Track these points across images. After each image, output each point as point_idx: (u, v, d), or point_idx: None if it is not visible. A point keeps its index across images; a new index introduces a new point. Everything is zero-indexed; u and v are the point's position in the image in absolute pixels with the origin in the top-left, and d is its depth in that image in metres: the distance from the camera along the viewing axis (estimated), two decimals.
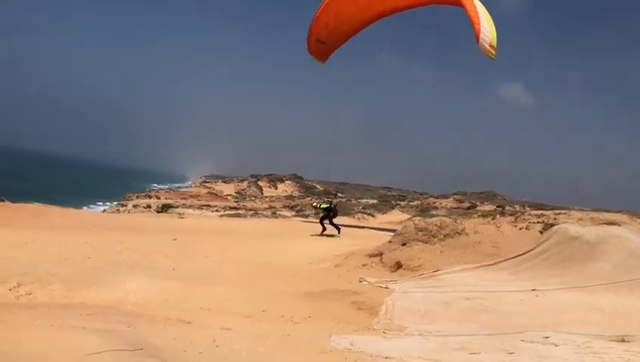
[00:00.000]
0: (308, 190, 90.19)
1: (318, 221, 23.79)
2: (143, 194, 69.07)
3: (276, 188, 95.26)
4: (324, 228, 22.99)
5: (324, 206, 23.40)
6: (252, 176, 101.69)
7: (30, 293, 9.99)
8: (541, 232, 14.13)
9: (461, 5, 17.63)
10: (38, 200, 30.19)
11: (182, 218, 35.37)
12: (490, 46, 15.23)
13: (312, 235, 22.82)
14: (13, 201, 24.68)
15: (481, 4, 18.07)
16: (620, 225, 15.90)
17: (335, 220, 23.42)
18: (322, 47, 22.37)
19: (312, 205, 29.58)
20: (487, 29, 15.79)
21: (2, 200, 23.61)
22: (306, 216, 43.99)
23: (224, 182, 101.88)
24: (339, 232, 23.03)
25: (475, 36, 15.26)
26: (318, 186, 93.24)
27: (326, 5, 21.43)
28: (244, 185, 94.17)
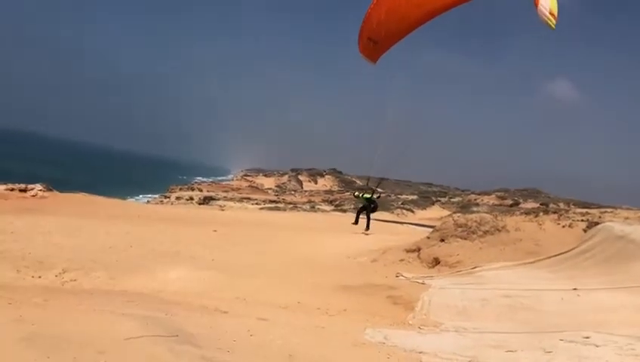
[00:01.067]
0: (347, 185, 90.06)
1: (358, 210, 22.98)
2: (186, 186, 70.34)
3: (316, 182, 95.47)
4: (357, 220, 22.28)
5: (367, 195, 22.30)
6: (292, 170, 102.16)
7: (75, 280, 10.33)
8: (585, 231, 13.74)
9: None
10: (84, 190, 31.08)
11: (223, 210, 35.92)
12: (551, 14, 14.44)
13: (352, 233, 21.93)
14: (61, 191, 25.46)
15: None
16: None
17: (375, 215, 22.82)
18: (374, 47, 21.99)
19: (353, 194, 28.48)
20: None
21: (51, 190, 24.40)
22: (345, 211, 44.00)
23: (265, 175, 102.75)
24: (367, 228, 21.98)
25: (534, 2, 14.55)
26: (358, 181, 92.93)
27: (378, 1, 21.08)
28: (285, 178, 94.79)
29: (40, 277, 10.30)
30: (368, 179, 23.40)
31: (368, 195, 22.25)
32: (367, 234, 21.32)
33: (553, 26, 14.32)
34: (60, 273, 10.58)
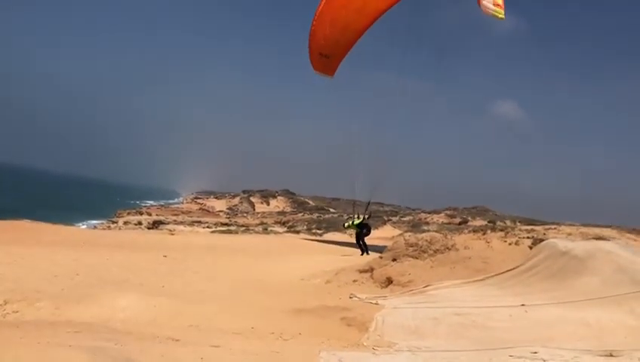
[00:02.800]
0: (300, 205, 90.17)
1: (356, 241, 21.78)
2: (134, 210, 68.79)
3: (268, 203, 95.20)
4: (366, 248, 21.14)
5: (356, 222, 21.42)
6: (244, 191, 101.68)
7: (17, 311, 9.90)
8: (530, 247, 14.18)
9: None
10: (27, 217, 30.00)
11: (172, 234, 35.26)
12: (495, 5, 14.24)
13: (343, 256, 21.35)
14: (1, 218, 24.50)
15: None
16: (609, 239, 16.00)
17: (327, 236, 22.56)
18: (327, 62, 22.09)
19: (343, 225, 27.16)
20: None
21: None
22: (297, 232, 43.92)
23: (216, 198, 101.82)
24: (362, 253, 20.97)
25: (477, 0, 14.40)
26: (310, 202, 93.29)
27: (319, 15, 21.16)
28: (236, 200, 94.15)
29: None
30: (354, 203, 22.74)
31: (358, 221, 21.48)
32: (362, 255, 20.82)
33: (502, 15, 14.22)
34: (0, 305, 10.12)
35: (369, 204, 23.70)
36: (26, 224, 25.55)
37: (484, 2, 13.78)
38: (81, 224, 55.86)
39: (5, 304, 10.13)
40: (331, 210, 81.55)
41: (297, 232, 43.11)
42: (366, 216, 21.67)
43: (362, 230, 21.47)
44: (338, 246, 26.91)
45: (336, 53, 21.79)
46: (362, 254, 20.97)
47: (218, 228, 47.14)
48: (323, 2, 20.96)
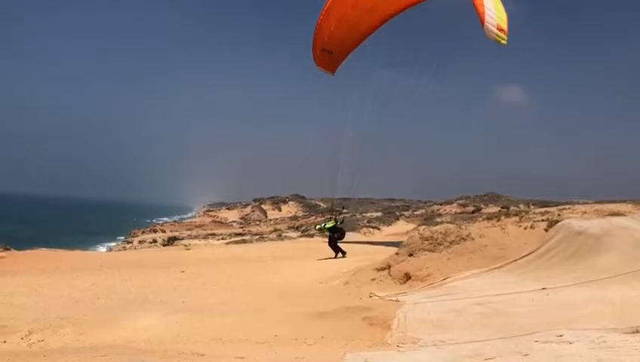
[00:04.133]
0: (311, 209, 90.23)
1: (328, 244, 21.60)
2: (148, 229, 69.17)
3: (280, 209, 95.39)
4: (338, 250, 21.14)
5: (329, 225, 21.42)
6: (255, 200, 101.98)
7: (42, 340, 9.97)
8: (546, 230, 14.11)
9: None
10: (43, 245, 30.26)
11: (188, 249, 35.38)
12: (499, 29, 14.34)
13: (319, 260, 21.39)
14: (18, 249, 24.72)
15: None
16: (624, 215, 15.89)
17: (347, 237, 22.07)
18: (329, 58, 22.05)
19: (314, 227, 27.25)
20: (493, 10, 14.97)
21: (8, 249, 23.67)
22: (312, 236, 43.91)
23: (228, 208, 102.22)
24: (344, 255, 21.10)
25: (480, 19, 14.42)
26: (322, 204, 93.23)
27: (327, 10, 21.10)
28: (248, 210, 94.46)
29: (5, 342, 9.90)
30: (332, 204, 22.89)
31: (330, 224, 21.41)
32: (335, 258, 21.05)
33: (505, 42, 14.38)
34: (25, 335, 10.20)
35: (342, 209, 23.66)
36: (42, 252, 25.74)
37: (488, 25, 13.90)
38: (96, 247, 56.27)
39: (30, 334, 10.22)
40: (343, 210, 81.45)
41: (311, 236, 43.10)
42: (339, 221, 21.59)
43: (334, 234, 21.31)
44: (353, 246, 26.86)
45: (339, 51, 21.73)
46: (336, 257, 20.97)
47: (232, 239, 47.26)
48: None
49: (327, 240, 22.09)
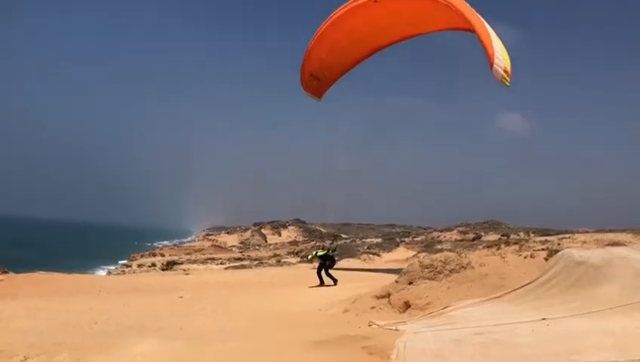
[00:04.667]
0: (312, 234, 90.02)
1: (317, 272, 21.51)
2: (148, 252, 68.94)
3: (280, 234, 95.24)
4: (322, 281, 21.06)
5: (320, 253, 21.34)
6: (255, 224, 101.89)
7: None
8: (546, 259, 14.08)
9: (472, 30, 17.37)
10: (42, 268, 30.14)
11: (187, 274, 35.24)
12: (505, 72, 14.83)
13: (310, 287, 21.18)
14: (16, 272, 24.63)
15: (491, 28, 17.88)
16: (624, 244, 15.89)
17: (342, 263, 22.13)
18: (317, 84, 22.35)
19: (306, 256, 27.13)
20: (500, 53, 15.49)
21: (6, 272, 23.58)
22: (311, 261, 43.73)
23: (227, 233, 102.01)
24: (335, 283, 20.99)
25: (489, 62, 14.83)
26: (322, 229, 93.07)
27: (319, 37, 21.41)
28: (248, 234, 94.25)
29: None
30: (322, 234, 22.97)
31: (322, 252, 21.32)
32: (335, 285, 20.92)
33: (508, 83, 14.87)
34: (21, 360, 10.13)
35: (336, 237, 23.75)
36: (40, 276, 25.63)
37: (497, 67, 14.35)
38: (96, 270, 56.02)
39: (25, 359, 10.14)
40: (343, 235, 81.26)
41: (311, 262, 42.92)
42: (332, 248, 21.59)
43: (325, 262, 21.19)
44: (353, 273, 26.77)
45: (327, 77, 22.02)
46: (322, 285, 20.83)
47: (232, 264, 47.05)
48: (326, 25, 21.21)
49: (316, 267, 21.96)
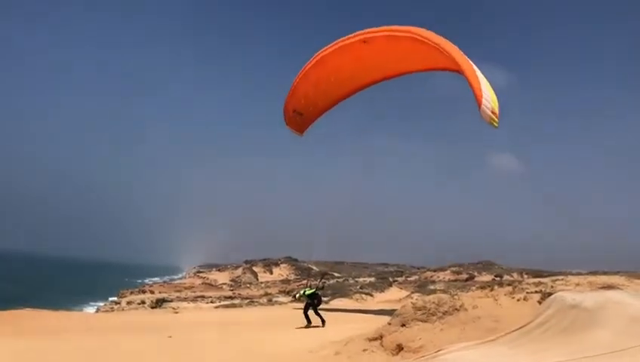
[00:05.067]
0: (304, 272, 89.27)
1: (303, 312, 21.02)
2: (137, 289, 67.96)
3: (271, 272, 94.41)
4: (309, 321, 20.60)
5: (308, 292, 20.94)
6: (246, 261, 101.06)
7: None
8: (539, 302, 14.02)
9: (460, 71, 17.56)
10: (29, 304, 29.66)
11: (176, 312, 34.75)
12: (493, 113, 14.97)
13: (297, 328, 20.73)
14: (3, 308, 24.23)
15: (479, 70, 18.08)
16: (618, 288, 15.87)
17: (334, 303, 21.93)
18: (300, 119, 22.60)
19: (293, 295, 26.72)
20: (489, 95, 15.67)
21: None
22: (299, 300, 43.31)
23: (218, 270, 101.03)
24: (323, 324, 20.60)
25: (477, 102, 14.98)
26: (314, 267, 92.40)
27: (305, 74, 21.72)
28: (239, 271, 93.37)
29: None
30: (313, 272, 22.78)
31: (310, 291, 20.96)
32: (323, 326, 20.53)
33: (497, 124, 15.04)
34: None
35: (324, 275, 23.51)
36: (27, 313, 25.18)
37: (485, 108, 14.55)
38: (84, 307, 55.17)
39: None
40: (335, 274, 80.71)
41: (299, 300, 42.48)
42: (319, 287, 21.21)
43: (313, 300, 20.85)
44: (345, 314, 26.49)
45: (310, 113, 22.31)
46: (308, 326, 20.46)
47: (222, 303, 46.43)
48: (312, 63, 21.59)
49: (302, 307, 21.54)
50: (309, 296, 20.90)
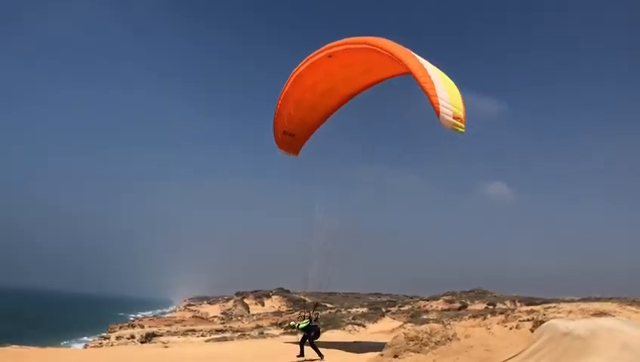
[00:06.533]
0: (296, 303, 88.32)
1: (299, 343, 20.55)
2: (127, 324, 66.86)
3: (263, 304, 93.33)
4: (302, 352, 20.10)
5: (303, 325, 20.41)
6: (237, 294, 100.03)
7: None
8: (532, 330, 13.89)
9: (411, 73, 16.44)
10: (16, 340, 29.04)
11: (166, 347, 34.10)
12: (455, 117, 13.43)
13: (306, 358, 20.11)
14: None
15: (438, 70, 16.77)
16: (611, 314, 15.76)
17: (326, 334, 21.39)
18: (291, 140, 22.53)
19: (289, 324, 26.05)
20: (447, 99, 14.01)
21: None
22: (295, 333, 42.73)
23: (209, 303, 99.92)
24: (321, 358, 19.99)
25: (435, 110, 13.54)
26: (307, 299, 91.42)
27: (285, 96, 21.82)
28: (230, 304, 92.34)
29: None
30: (304, 302, 22.33)
31: (305, 324, 20.43)
32: (321, 360, 20.08)
33: (463, 130, 13.60)
34: None
35: (316, 305, 23.10)
36: (12, 350, 24.59)
37: (444, 115, 13.19)
38: (72, 342, 54.10)
39: None
40: (328, 305, 79.91)
41: (295, 333, 41.90)
42: (313, 318, 20.66)
43: (310, 333, 20.26)
44: (337, 346, 26.12)
45: (301, 132, 22.28)
46: (299, 356, 19.95)
47: (213, 336, 45.66)
48: (288, 84, 21.74)
49: (295, 339, 21.01)
50: (304, 328, 20.35)
